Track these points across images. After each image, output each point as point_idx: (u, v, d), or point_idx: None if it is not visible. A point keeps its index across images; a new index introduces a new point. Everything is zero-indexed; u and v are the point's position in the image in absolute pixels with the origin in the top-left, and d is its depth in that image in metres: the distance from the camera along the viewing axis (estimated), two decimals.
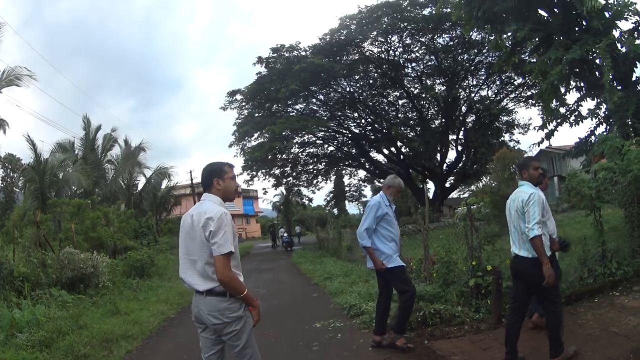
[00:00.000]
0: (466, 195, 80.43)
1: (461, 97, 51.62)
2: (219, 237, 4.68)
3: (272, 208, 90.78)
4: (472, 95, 52.25)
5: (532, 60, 21.66)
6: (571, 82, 18.68)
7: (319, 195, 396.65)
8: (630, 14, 16.24)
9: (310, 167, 58.53)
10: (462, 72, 50.08)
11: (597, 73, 17.31)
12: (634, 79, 17.08)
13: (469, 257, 10.48)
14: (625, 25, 16.53)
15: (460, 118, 53.58)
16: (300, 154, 56.32)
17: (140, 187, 50.86)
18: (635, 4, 15.89)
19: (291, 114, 49.45)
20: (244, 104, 50.70)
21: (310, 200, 67.61)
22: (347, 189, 65.71)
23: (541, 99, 20.81)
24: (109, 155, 44.17)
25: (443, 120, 53.56)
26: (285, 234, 51.94)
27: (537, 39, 19.00)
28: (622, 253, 10.34)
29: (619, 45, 16.37)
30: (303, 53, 46.02)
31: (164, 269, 23.97)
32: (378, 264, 8.35)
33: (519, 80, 49.21)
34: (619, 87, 16.22)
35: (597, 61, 16.93)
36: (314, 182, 60.21)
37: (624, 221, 10.87)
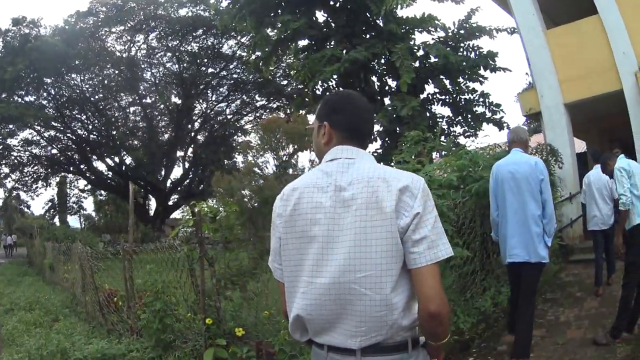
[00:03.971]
0: (188, 217, 79.14)
1: (197, 110, 50.87)
2: (430, 228, 2.45)
3: None
4: (210, 109, 51.45)
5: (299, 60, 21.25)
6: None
7: (39, 202, 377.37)
8: (434, 28, 17.86)
9: (31, 169, 53.56)
10: (202, 84, 48.73)
11: (375, 80, 18.75)
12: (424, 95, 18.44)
13: (200, 309, 7.32)
14: (423, 37, 17.24)
15: (192, 134, 52.72)
16: (21, 153, 51.45)
17: None
18: (440, 19, 17.46)
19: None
20: None
21: (29, 206, 62.38)
22: (67, 199, 60.68)
23: (298, 109, 21.32)
24: None
25: (173, 133, 52.05)
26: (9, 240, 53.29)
27: (310, 40, 19.23)
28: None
29: (420, 51, 17.80)
30: (43, 31, 41.29)
31: None
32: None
33: (262, 102, 49.55)
34: None
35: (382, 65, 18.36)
36: (34, 186, 55.12)
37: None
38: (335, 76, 17.58)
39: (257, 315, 7.56)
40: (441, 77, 18.18)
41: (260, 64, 20.95)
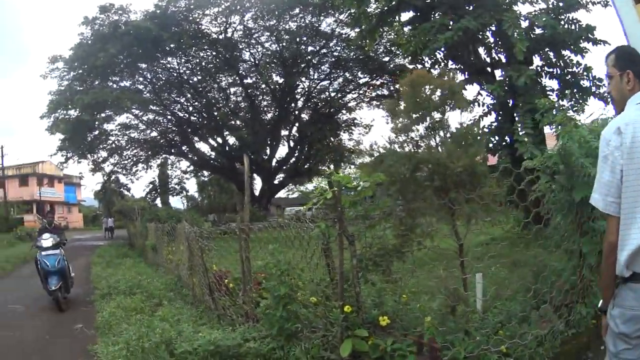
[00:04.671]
0: (295, 195, 79.13)
1: (299, 87, 49.75)
2: None
3: (94, 197, 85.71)
4: (313, 88, 50.45)
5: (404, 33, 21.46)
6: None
7: (139, 185, 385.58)
8: None
9: (130, 152, 54.17)
10: (303, 63, 47.75)
11: (482, 53, 18.70)
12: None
13: (336, 295, 6.24)
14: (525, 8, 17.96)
15: (296, 112, 51.76)
16: (119, 138, 52.18)
17: None
18: None
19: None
20: (65, 73, 43.58)
21: (129, 189, 63.24)
22: (169, 180, 61.08)
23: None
24: None
25: (277, 111, 51.48)
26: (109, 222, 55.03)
27: (414, 11, 19.05)
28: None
29: (524, 22, 17.19)
30: (134, 17, 40.87)
31: None
32: None
33: (365, 79, 48.44)
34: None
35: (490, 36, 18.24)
36: (134, 169, 55.84)
37: None
38: (443, 48, 17.44)
39: (400, 300, 6.49)
40: (546, 49, 17.93)
41: (364, 38, 21.32)
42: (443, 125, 6.11)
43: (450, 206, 5.89)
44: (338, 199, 5.95)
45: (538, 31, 17.52)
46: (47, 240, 13.59)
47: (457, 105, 6.22)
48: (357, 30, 23.05)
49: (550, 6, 17.59)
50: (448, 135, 6.07)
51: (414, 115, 6.05)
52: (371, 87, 49.53)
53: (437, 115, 6.09)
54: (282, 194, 59.57)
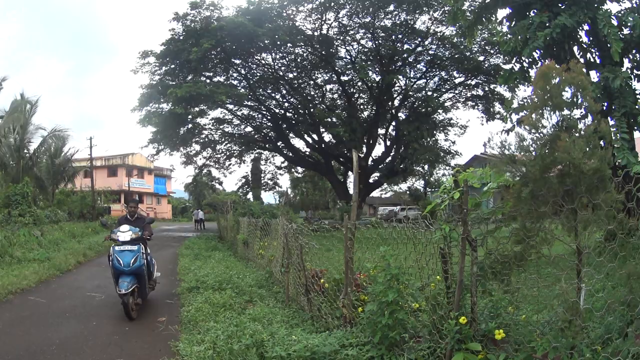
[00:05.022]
0: (388, 195, 78.63)
1: (397, 85, 48.87)
2: None
3: (184, 189, 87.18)
4: (409, 86, 49.71)
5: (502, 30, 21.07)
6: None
7: (232, 178, 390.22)
8: None
9: (223, 146, 55.03)
10: (399, 61, 47.21)
11: (577, 53, 17.54)
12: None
13: (454, 305, 5.78)
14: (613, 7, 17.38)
15: (393, 111, 50.98)
16: (212, 132, 52.93)
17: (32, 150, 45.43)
18: None
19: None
20: (156, 68, 44.23)
21: (221, 183, 63.97)
22: (262, 175, 61.27)
23: (506, 82, 19.60)
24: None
25: (373, 109, 51.02)
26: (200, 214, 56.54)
27: (511, 8, 18.54)
28: None
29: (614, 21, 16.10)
30: (226, 12, 41.13)
31: (8, 248, 20.16)
32: None
33: (460, 79, 48.02)
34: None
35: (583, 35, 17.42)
36: (226, 163, 56.83)
37: None
38: (540, 48, 16.74)
39: (516, 312, 5.93)
40: (633, 51, 16.93)
41: (464, 35, 20.62)
42: (574, 123, 5.58)
43: (577, 211, 5.36)
44: (465, 199, 5.48)
45: (625, 31, 16.55)
46: (124, 233, 11.51)
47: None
48: (452, 28, 22.57)
49: (634, 5, 16.68)
50: (578, 135, 5.52)
51: (545, 111, 5.54)
52: (466, 87, 49.07)
53: (566, 112, 5.56)
54: (374, 193, 59.33)
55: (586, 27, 16.88)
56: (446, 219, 5.99)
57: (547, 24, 15.83)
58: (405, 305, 6.36)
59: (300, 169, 66.29)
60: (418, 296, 6.69)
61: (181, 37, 40.66)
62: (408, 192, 72.69)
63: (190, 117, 45.30)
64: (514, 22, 18.32)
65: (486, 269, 5.65)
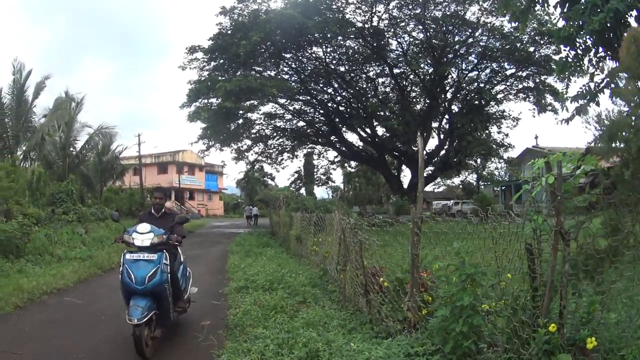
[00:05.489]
0: (441, 189, 77.84)
1: (449, 77, 48.34)
2: None
3: (236, 185, 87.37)
4: (461, 78, 48.96)
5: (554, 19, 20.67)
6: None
7: (284, 174, 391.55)
8: None
9: (275, 141, 54.67)
10: (451, 53, 46.43)
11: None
12: None
13: (543, 309, 5.03)
14: None
15: (446, 104, 50.34)
16: (264, 127, 52.60)
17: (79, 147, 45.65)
18: None
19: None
20: (204, 63, 44.09)
21: (273, 178, 63.88)
22: (314, 170, 60.90)
23: (561, 71, 18.53)
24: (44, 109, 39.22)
25: (426, 102, 50.55)
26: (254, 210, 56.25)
27: None
28: None
29: None
30: (274, 5, 40.73)
31: (49, 247, 19.71)
32: None
33: (511, 70, 47.27)
34: None
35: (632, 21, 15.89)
36: (279, 158, 56.32)
37: None
38: (595, 33, 15.82)
39: (606, 317, 5.11)
40: None
41: (517, 19, 19.37)
42: None
43: None
44: (559, 185, 4.71)
45: None
46: (142, 235, 8.48)
47: None
48: (502, 19, 21.88)
49: None
50: None
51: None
52: (517, 79, 48.20)
53: None
54: (427, 187, 58.70)
55: (634, 13, 16.22)
56: (536, 209, 5.18)
57: (599, 9, 15.15)
58: (480, 309, 5.61)
59: (353, 164, 65.70)
60: (493, 297, 5.84)
61: (229, 31, 40.29)
62: (461, 186, 72.07)
63: (240, 111, 44.99)
64: (566, 8, 17.61)
65: (579, 266, 4.86)
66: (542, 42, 40.76)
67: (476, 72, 48.61)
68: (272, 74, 45.69)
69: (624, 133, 4.65)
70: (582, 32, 16.08)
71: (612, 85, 15.46)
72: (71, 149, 43.22)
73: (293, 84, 46.42)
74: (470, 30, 43.66)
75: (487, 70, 48.26)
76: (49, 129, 37.16)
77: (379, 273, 8.55)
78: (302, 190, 64.18)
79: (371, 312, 8.49)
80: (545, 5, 19.64)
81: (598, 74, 17.08)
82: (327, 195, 76.04)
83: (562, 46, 18.87)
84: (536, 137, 57.12)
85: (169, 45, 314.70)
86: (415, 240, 6.88)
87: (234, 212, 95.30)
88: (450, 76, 48.18)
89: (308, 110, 51.98)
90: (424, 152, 48.25)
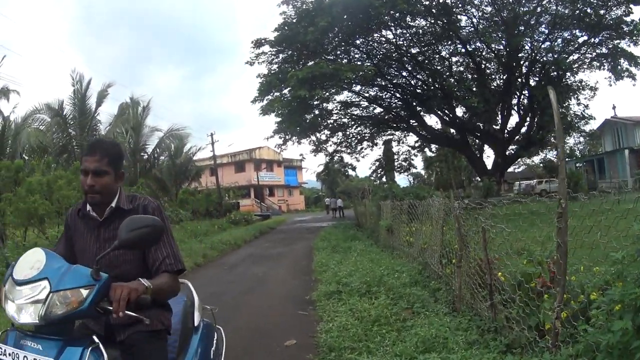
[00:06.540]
0: (521, 169, 75.52)
1: (523, 49, 46.54)
2: None
3: (317, 179, 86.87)
4: (535, 50, 46.98)
5: None
6: None
7: (364, 163, 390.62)
8: None
9: (353, 130, 53.76)
10: (522, 24, 44.39)
11: None
12: None
13: None
14: None
15: (522, 78, 48.48)
16: (342, 116, 51.84)
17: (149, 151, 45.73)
18: None
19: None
20: (272, 56, 43.50)
21: (354, 168, 62.75)
22: (395, 157, 59.35)
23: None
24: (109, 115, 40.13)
25: (503, 77, 49.12)
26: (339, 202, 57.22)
27: None
28: None
29: None
30: None
31: None
32: None
33: (583, 38, 45.24)
34: None
35: None
36: (358, 148, 55.33)
37: None
38: None
39: None
40: None
41: None
42: None
43: None
44: None
45: None
46: (21, 288, 2.67)
47: None
48: None
49: None
50: None
51: None
52: (590, 47, 46.18)
53: None
54: (511, 168, 56.96)
55: None
56: None
57: None
58: None
59: (433, 148, 64.02)
60: None
61: (294, 20, 39.52)
62: (542, 164, 69.49)
63: (316, 101, 43.99)
64: None
65: None
66: (610, 3, 38.58)
67: (549, 43, 46.65)
68: (344, 61, 44.29)
69: None
70: None
71: None
72: (142, 153, 43.26)
73: (367, 68, 44.15)
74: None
75: (559, 41, 46.44)
76: (114, 134, 37.43)
77: (493, 263, 6.82)
78: (384, 179, 62.76)
79: (496, 319, 6.71)
80: None
81: None
82: (408, 182, 74.43)
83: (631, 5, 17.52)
84: (614, 107, 54.50)
85: (236, 43, 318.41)
86: (562, 225, 5.06)
87: (315, 206, 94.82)
88: (524, 48, 46.42)
89: (384, 96, 50.76)
90: (505, 131, 46.65)
